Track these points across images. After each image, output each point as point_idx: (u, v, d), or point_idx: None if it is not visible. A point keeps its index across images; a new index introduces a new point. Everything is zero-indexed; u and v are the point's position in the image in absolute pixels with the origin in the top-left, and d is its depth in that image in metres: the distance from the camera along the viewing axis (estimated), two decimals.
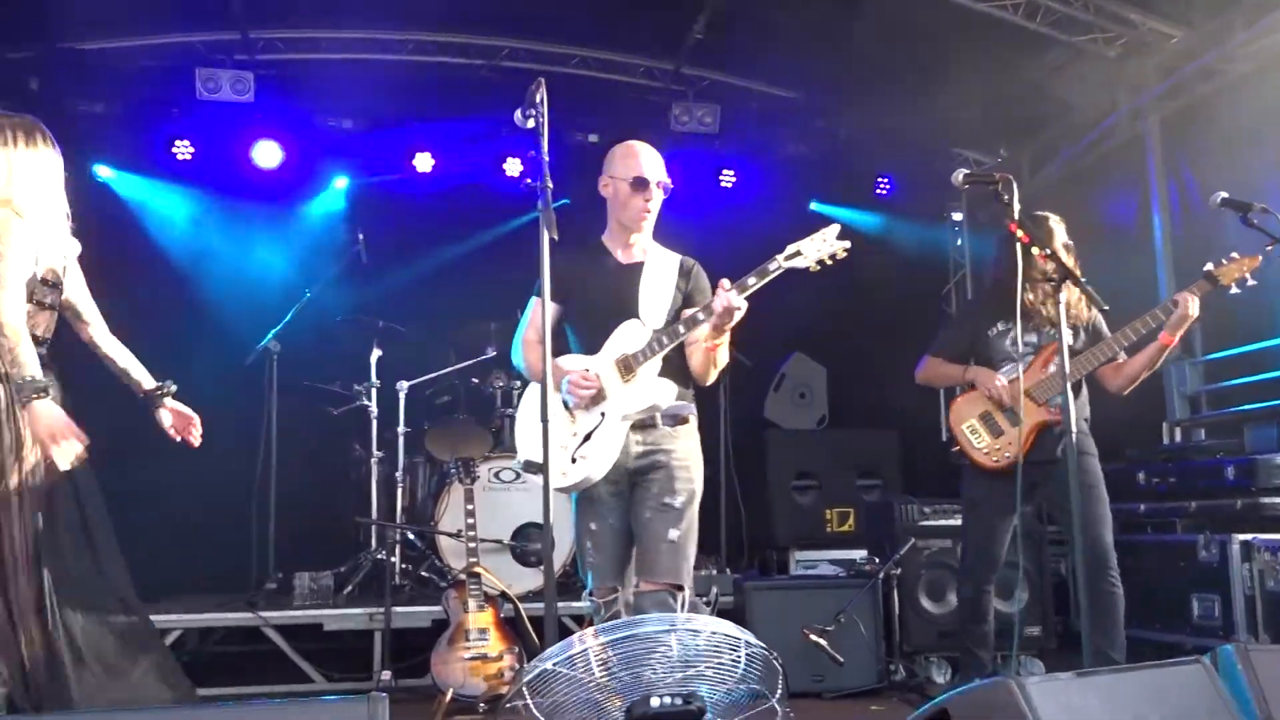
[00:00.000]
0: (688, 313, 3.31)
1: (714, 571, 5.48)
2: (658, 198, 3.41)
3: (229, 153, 7.52)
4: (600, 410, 3.29)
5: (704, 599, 5.05)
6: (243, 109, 7.41)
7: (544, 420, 2.88)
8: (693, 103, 7.67)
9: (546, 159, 2.94)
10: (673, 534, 3.26)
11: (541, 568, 5.35)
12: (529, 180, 2.95)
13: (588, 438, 3.29)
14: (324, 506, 6.31)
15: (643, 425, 3.31)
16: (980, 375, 4.28)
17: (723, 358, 3.35)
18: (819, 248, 3.21)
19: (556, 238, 2.91)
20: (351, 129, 7.86)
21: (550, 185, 2.93)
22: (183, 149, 7.52)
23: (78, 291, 3.38)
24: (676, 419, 3.37)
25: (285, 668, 4.99)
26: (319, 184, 7.63)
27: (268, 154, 7.57)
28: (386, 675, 4.79)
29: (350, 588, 5.45)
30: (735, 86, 7.83)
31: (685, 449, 3.38)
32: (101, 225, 6.99)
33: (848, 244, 3.21)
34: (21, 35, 7.32)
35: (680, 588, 3.26)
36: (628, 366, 3.30)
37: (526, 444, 3.36)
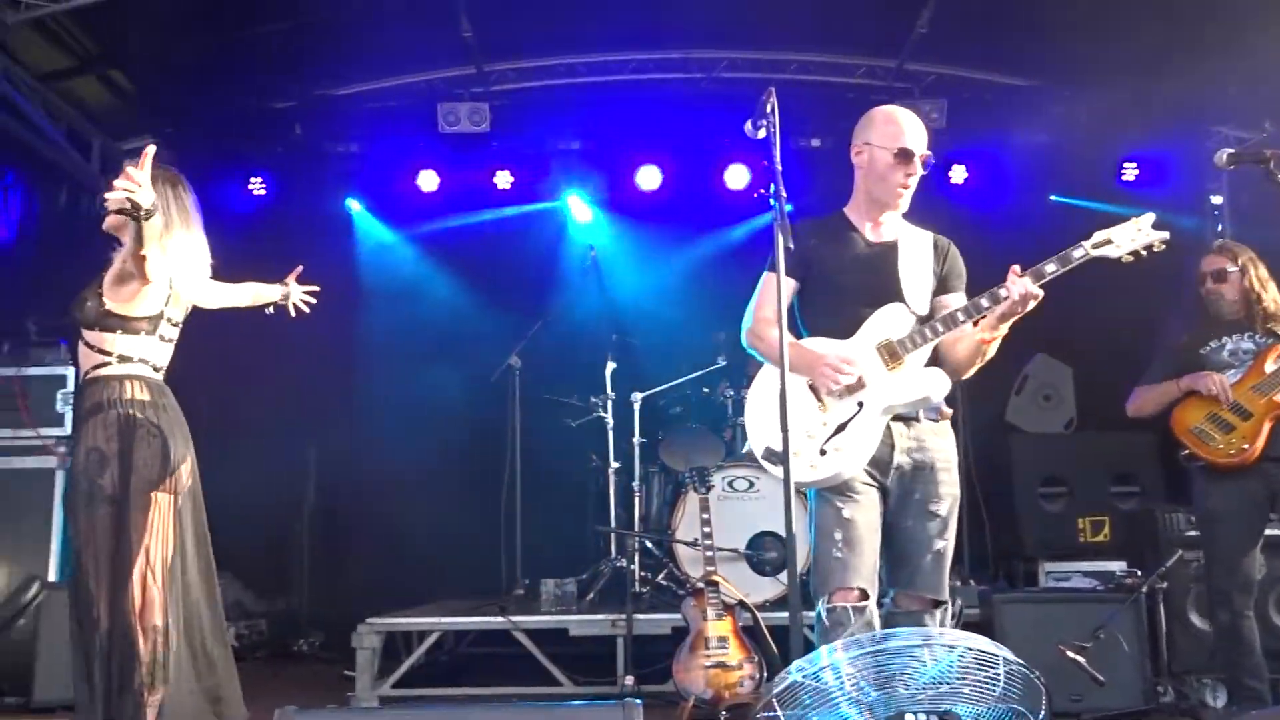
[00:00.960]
0: (963, 299, 3.07)
1: (958, 583, 5.26)
2: (919, 173, 3.14)
3: (469, 180, 7.95)
4: (857, 399, 3.02)
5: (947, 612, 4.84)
6: (480, 139, 7.81)
7: (783, 409, 2.75)
8: (918, 99, 7.43)
9: (779, 168, 2.89)
10: (938, 544, 3.05)
11: (776, 578, 5.31)
12: (759, 191, 2.90)
13: (841, 428, 3.01)
14: (565, 515, 6.49)
15: (904, 419, 3.05)
16: (1197, 377, 4.02)
17: (990, 353, 3.09)
18: (1132, 237, 2.95)
19: (793, 247, 2.85)
20: (579, 149, 8.13)
21: (784, 194, 2.88)
22: (428, 180, 8.02)
23: (212, 295, 3.76)
24: (939, 414, 3.13)
25: (533, 670, 5.16)
26: (552, 204, 7.89)
27: (504, 179, 7.98)
28: (630, 681, 4.87)
29: (592, 594, 5.56)
30: (963, 78, 7.54)
31: (948, 449, 3.13)
32: (355, 254, 7.59)
33: (1166, 235, 2.94)
34: (288, 86, 8.01)
35: (941, 604, 3.08)
36: (893, 354, 3.04)
37: (762, 431, 3.09)
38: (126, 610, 3.18)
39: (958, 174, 7.60)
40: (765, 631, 4.68)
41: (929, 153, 3.14)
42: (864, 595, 2.98)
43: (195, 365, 3.46)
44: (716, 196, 7.44)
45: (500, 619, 5.18)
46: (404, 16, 6.80)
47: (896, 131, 3.13)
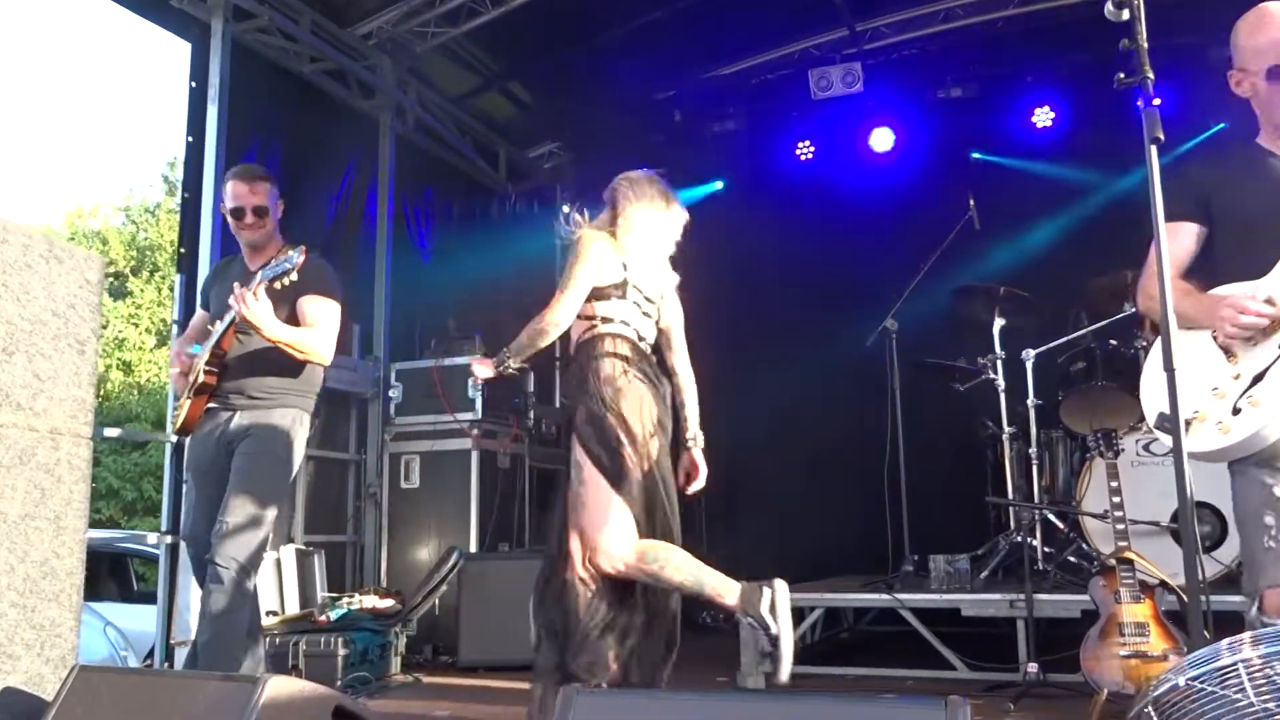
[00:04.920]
0: None
1: None
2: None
3: (846, 144, 7.62)
4: (1278, 340, 2.40)
5: None
6: (854, 100, 7.45)
7: (1166, 354, 2.21)
8: None
9: (1144, 44, 2.29)
10: None
11: (1213, 555, 4.44)
12: (1120, 76, 2.32)
13: (1258, 379, 2.39)
14: (956, 487, 5.95)
15: None
16: None
17: None
18: None
19: (1162, 137, 2.24)
20: (962, 96, 7.47)
21: (1150, 76, 2.28)
22: (804, 149, 7.78)
23: (673, 320, 3.56)
24: None
25: (926, 651, 4.74)
26: (933, 159, 7.34)
27: (882, 139, 7.56)
28: (1033, 668, 4.30)
29: (986, 572, 5.00)
30: None
31: None
32: (728, 232, 7.51)
33: None
34: (664, 76, 8.14)
35: None
36: None
37: (1156, 396, 2.53)
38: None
39: None
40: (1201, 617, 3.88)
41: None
42: None
43: None
44: (1116, 125, 6.44)
45: (884, 596, 4.79)
46: None
47: (1265, 42, 2.46)
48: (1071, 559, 5.02)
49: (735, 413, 7.28)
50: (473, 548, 5.89)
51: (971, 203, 5.58)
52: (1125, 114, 6.48)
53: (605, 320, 3.31)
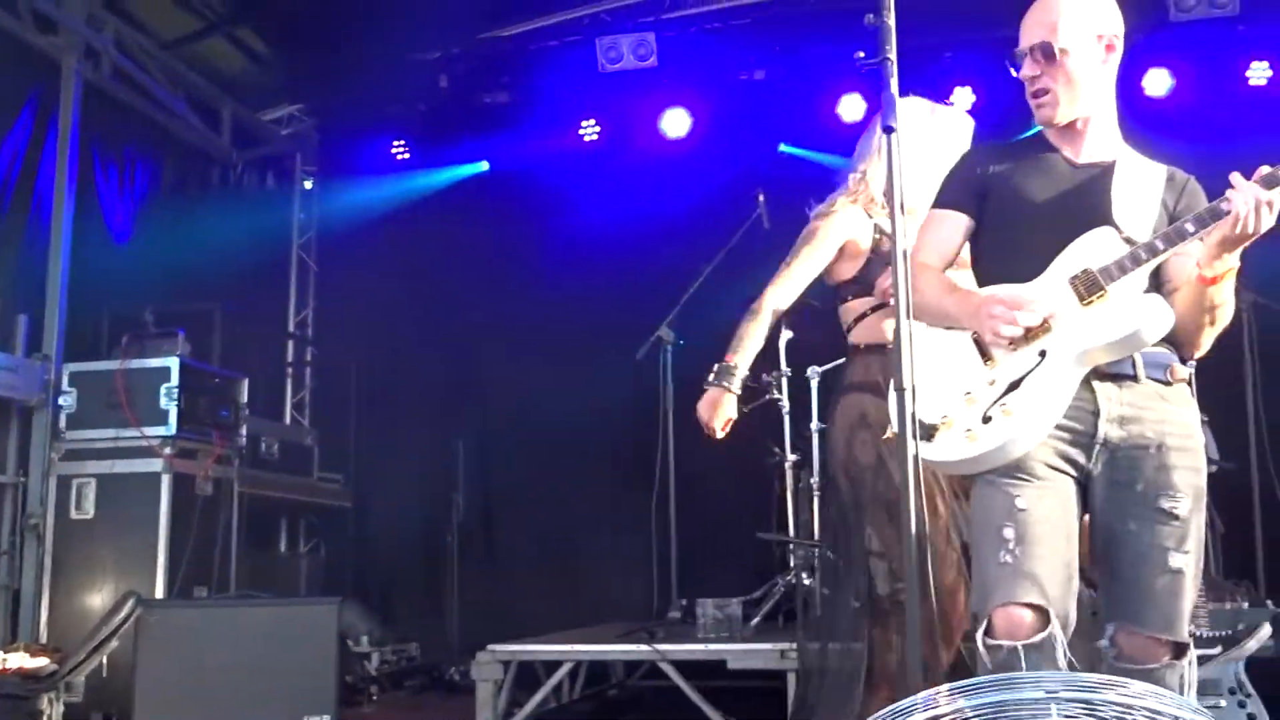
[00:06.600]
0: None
1: (1244, 605, 4.43)
2: (1033, 71, 2.64)
3: (636, 127, 7.70)
4: (1038, 348, 2.50)
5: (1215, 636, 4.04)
6: (647, 76, 7.52)
7: (899, 362, 2.28)
8: None
9: (891, 23, 2.39)
10: (1175, 560, 2.44)
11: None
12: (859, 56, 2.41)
13: (1014, 386, 2.49)
14: (736, 520, 6.07)
15: (1113, 377, 2.51)
16: None
17: (1226, 307, 2.52)
18: None
19: (895, 126, 2.33)
20: (766, 79, 7.67)
21: (892, 58, 2.37)
22: (589, 129, 7.81)
23: None
24: (1170, 373, 2.55)
25: (684, 706, 4.78)
26: (731, 148, 7.49)
27: (676, 122, 7.66)
28: None
29: (758, 617, 5.11)
30: None
31: (1186, 421, 2.54)
32: (492, 223, 7.49)
33: None
34: (433, 34, 8.01)
35: (1183, 648, 2.47)
36: (1092, 285, 2.50)
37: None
38: None
39: (1258, 73, 6.68)
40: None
41: (1055, 39, 2.61)
42: (1042, 620, 2.39)
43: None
44: None
45: (645, 648, 4.81)
46: None
47: (1022, 30, 2.70)
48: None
49: (491, 434, 7.27)
50: (159, 592, 5.59)
51: (760, 199, 5.70)
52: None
53: None
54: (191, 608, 5.44)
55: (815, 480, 5.38)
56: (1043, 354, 2.50)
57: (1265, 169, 2.40)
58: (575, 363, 6.73)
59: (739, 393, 3.54)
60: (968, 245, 2.80)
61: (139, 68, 6.91)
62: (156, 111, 7.18)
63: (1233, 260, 2.45)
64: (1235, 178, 2.39)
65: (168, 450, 5.77)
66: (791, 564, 5.40)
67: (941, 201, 2.79)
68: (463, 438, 6.72)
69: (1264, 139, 6.21)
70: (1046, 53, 2.61)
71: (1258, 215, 2.34)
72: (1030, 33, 2.65)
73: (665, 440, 5.52)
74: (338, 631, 5.08)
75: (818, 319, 5.59)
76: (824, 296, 5.59)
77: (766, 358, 5.57)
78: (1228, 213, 2.37)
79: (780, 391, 5.50)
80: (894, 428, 2.50)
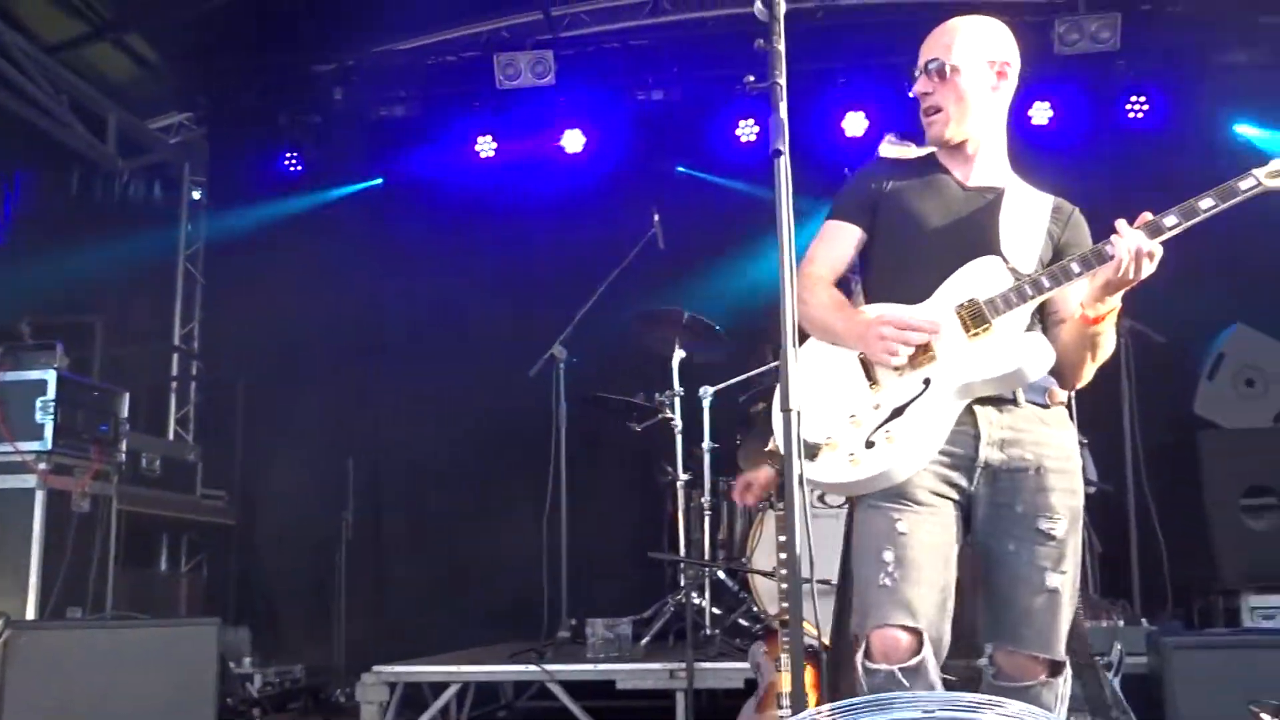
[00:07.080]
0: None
1: (1120, 623, 4.58)
2: (926, 88, 2.74)
3: (532, 144, 7.69)
4: (923, 376, 2.57)
5: (1104, 659, 4.18)
6: (544, 94, 7.52)
7: (784, 384, 2.30)
8: (1083, 15, 6.84)
9: (780, 48, 2.43)
10: (1053, 580, 2.51)
11: None
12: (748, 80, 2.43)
13: (898, 413, 2.55)
14: (628, 539, 6.09)
15: (994, 402, 2.58)
16: None
17: (1107, 343, 2.61)
18: None
19: (783, 149, 2.36)
20: (664, 99, 7.74)
21: (781, 82, 2.42)
22: (485, 145, 7.75)
23: None
24: (1049, 397, 2.63)
25: None
26: (627, 168, 7.53)
27: (574, 141, 7.67)
28: None
29: (648, 637, 5.12)
30: None
31: (1063, 444, 2.61)
32: (384, 239, 7.41)
33: None
34: (326, 46, 7.90)
35: (1059, 666, 2.54)
36: (977, 316, 2.57)
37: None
38: None
39: (1136, 107, 6.97)
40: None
41: (948, 57, 2.72)
42: (917, 643, 2.44)
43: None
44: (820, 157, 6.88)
45: (533, 668, 4.78)
46: None
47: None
48: (742, 622, 5.22)
49: (381, 453, 7.18)
50: (30, 613, 5.39)
51: (656, 219, 5.74)
52: (835, 137, 6.99)
53: None
54: (64, 629, 5.27)
55: (706, 500, 5.41)
56: (927, 382, 2.56)
57: (1148, 216, 2.48)
58: (468, 380, 6.71)
59: None
60: None
61: (18, 72, 6.68)
62: (38, 117, 6.95)
63: (1114, 301, 2.52)
64: (1120, 224, 2.46)
65: (42, 466, 5.57)
66: (682, 583, 5.41)
67: (835, 213, 2.83)
68: (353, 455, 6.59)
69: (1143, 171, 6.47)
70: (939, 70, 2.70)
71: (1138, 264, 2.42)
72: (927, 51, 2.75)
73: (557, 458, 5.49)
74: (218, 652, 4.97)
75: (710, 337, 5.68)
76: (719, 319, 5.71)
77: (661, 376, 5.63)
78: (1112, 256, 2.44)
79: (673, 411, 5.51)
80: (777, 444, 2.55)
